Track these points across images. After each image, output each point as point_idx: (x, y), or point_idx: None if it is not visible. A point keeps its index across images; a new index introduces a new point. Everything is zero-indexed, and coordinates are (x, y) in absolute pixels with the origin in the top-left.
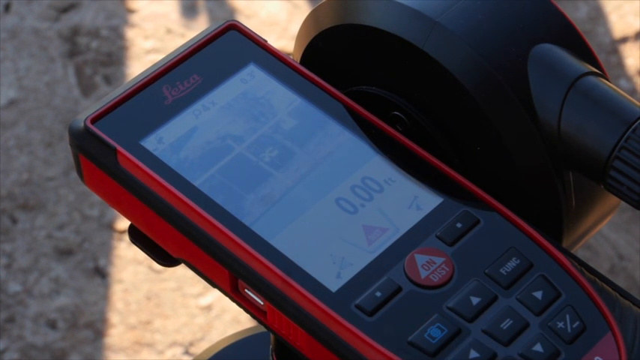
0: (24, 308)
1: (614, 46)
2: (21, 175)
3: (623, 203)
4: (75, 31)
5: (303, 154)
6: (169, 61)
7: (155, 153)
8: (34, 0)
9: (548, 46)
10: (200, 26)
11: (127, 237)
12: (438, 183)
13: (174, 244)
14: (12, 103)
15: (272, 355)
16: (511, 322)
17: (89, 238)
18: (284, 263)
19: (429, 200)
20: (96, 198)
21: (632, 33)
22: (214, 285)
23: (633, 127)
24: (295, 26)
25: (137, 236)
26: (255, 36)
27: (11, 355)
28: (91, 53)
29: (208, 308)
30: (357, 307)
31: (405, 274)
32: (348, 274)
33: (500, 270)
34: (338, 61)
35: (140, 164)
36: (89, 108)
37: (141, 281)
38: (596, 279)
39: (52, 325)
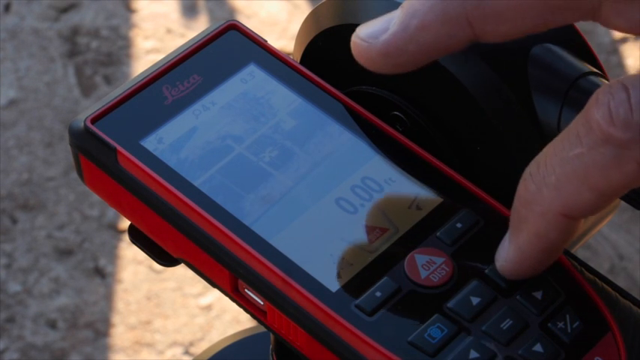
0: (24, 308)
1: (614, 46)
2: (21, 175)
3: (623, 203)
4: (75, 31)
5: (303, 154)
6: (169, 61)
7: (155, 153)
8: (34, 0)
9: (547, 46)
10: (200, 26)
11: (127, 237)
12: (438, 183)
13: (174, 244)
14: (12, 103)
15: (272, 355)
16: (511, 322)
17: (89, 238)
18: (284, 263)
19: (429, 200)
20: (96, 198)
21: None
22: (214, 285)
23: None
24: (295, 26)
25: (137, 236)
26: (255, 36)
27: (11, 355)
28: (91, 53)
29: (208, 308)
30: (357, 307)
31: (405, 274)
32: (348, 274)
33: None
34: (338, 61)
35: (140, 164)
36: (89, 108)
37: (141, 281)
38: (596, 279)
39: (52, 325)
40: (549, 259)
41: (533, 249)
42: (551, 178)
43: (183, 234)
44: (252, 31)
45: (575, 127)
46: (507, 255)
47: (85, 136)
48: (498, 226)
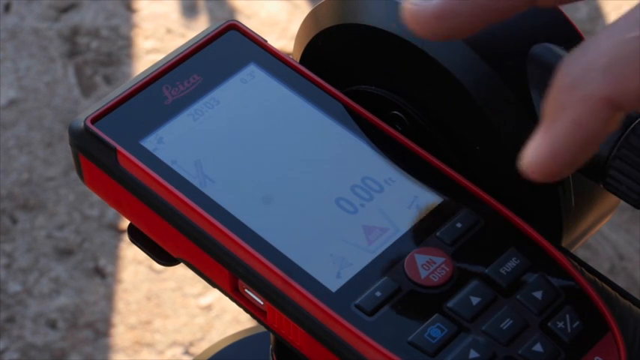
0: (24, 308)
1: None
2: (21, 175)
3: (623, 203)
4: (75, 31)
5: (303, 154)
6: (169, 61)
7: (155, 153)
8: (34, 0)
9: (547, 46)
10: (200, 26)
11: (127, 237)
12: (438, 183)
13: (174, 244)
14: (12, 103)
15: (272, 355)
16: (511, 322)
17: (89, 238)
18: (284, 263)
19: (429, 200)
20: (96, 198)
21: None
22: (214, 285)
23: (632, 126)
24: (295, 26)
25: (137, 236)
26: (255, 36)
27: (11, 355)
28: (91, 53)
29: (208, 308)
30: (357, 307)
31: (405, 274)
32: (348, 274)
33: (500, 270)
34: (337, 60)
35: (140, 164)
36: (89, 108)
37: (141, 281)
38: (596, 279)
39: (52, 325)
40: (583, 156)
41: (569, 140)
42: (601, 60)
43: (183, 234)
44: (252, 31)
45: (637, 10)
46: (538, 150)
47: (85, 136)
48: (498, 226)
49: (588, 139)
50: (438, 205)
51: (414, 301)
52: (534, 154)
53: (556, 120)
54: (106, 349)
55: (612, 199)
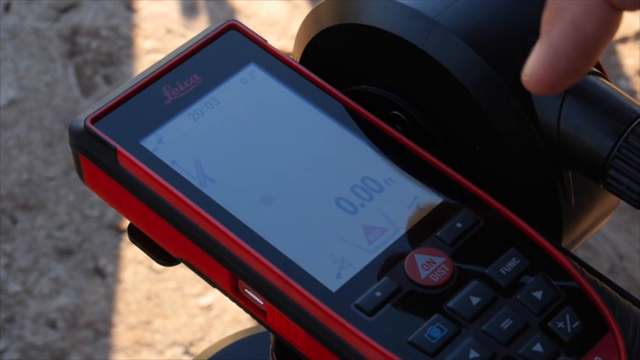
0: (24, 308)
1: (614, 46)
2: (21, 175)
3: (623, 203)
4: (75, 31)
5: (303, 154)
6: (169, 61)
7: (155, 153)
8: (34, 0)
9: None
10: (200, 26)
11: (127, 237)
12: (438, 183)
13: (174, 244)
14: (12, 103)
15: (272, 355)
16: (511, 322)
17: (89, 238)
18: (284, 263)
19: (429, 200)
20: (96, 198)
21: (632, 33)
22: (214, 285)
23: (632, 126)
24: (295, 26)
25: (137, 236)
26: (255, 36)
27: (11, 355)
28: (91, 53)
29: (208, 308)
30: (357, 307)
31: (405, 274)
32: (348, 274)
33: (500, 270)
34: (337, 60)
35: (140, 164)
36: (89, 108)
37: (141, 281)
38: (596, 279)
39: (52, 325)
40: (582, 63)
41: (567, 44)
42: None
43: (183, 234)
44: (252, 31)
45: None
46: (537, 59)
47: (85, 136)
48: (498, 226)
49: (587, 43)
50: (438, 205)
51: (414, 301)
52: (533, 64)
53: (553, 24)
54: (106, 349)
55: (612, 199)
